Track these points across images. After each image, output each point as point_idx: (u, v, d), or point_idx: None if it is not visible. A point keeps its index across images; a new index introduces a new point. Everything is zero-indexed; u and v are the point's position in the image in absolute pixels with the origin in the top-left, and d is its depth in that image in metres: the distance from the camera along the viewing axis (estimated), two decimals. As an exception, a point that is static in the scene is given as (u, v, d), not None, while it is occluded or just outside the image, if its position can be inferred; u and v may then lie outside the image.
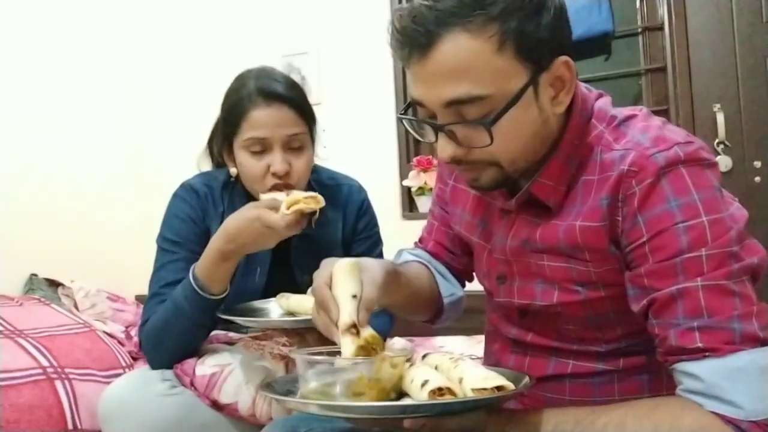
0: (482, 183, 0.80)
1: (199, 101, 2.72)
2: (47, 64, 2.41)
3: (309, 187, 1.31)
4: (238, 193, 1.29)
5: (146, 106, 2.79)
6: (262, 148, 1.18)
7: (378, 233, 1.41)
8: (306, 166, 1.23)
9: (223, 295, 1.15)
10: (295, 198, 1.06)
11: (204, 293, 1.11)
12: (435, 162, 2.15)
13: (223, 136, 1.27)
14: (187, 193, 1.29)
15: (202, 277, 1.11)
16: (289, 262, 1.29)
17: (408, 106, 0.80)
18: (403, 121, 0.83)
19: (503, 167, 0.78)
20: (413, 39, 0.71)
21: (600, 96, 0.85)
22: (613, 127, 0.79)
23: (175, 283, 1.18)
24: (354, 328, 0.73)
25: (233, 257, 1.11)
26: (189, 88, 2.74)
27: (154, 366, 1.20)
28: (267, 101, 1.18)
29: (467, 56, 0.70)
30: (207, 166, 1.40)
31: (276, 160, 1.17)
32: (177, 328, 1.15)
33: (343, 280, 0.77)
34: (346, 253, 1.36)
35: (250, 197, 1.28)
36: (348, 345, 0.72)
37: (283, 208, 1.04)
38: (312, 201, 1.06)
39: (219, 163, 1.37)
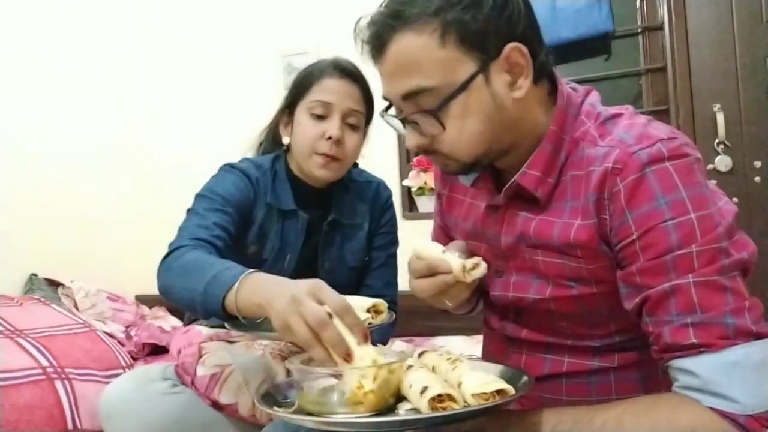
0: (452, 169, 0.85)
1: (199, 101, 2.73)
2: (48, 66, 2.41)
3: (342, 183, 1.34)
4: (280, 180, 1.30)
5: (147, 107, 2.79)
6: (323, 112, 1.24)
7: (396, 233, 1.44)
8: (356, 146, 1.29)
9: (234, 316, 0.94)
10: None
11: (223, 306, 0.91)
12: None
13: (287, 103, 1.31)
14: (240, 172, 1.27)
15: (241, 294, 0.90)
16: (316, 247, 1.31)
17: (389, 105, 0.86)
18: (384, 118, 0.89)
19: (462, 161, 0.82)
20: (371, 44, 0.80)
21: (588, 93, 0.86)
22: (600, 124, 0.80)
23: (216, 226, 1.11)
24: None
25: (260, 298, 0.85)
26: (189, 89, 2.74)
27: (158, 282, 1.06)
28: (340, 73, 1.26)
29: (414, 52, 0.76)
30: (250, 154, 1.41)
31: (333, 126, 1.23)
32: (186, 291, 0.98)
33: (427, 247, 0.86)
34: (369, 245, 1.39)
35: (294, 184, 1.30)
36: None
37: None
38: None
39: (266, 151, 1.39)
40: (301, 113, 1.26)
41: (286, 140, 1.31)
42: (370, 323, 1.02)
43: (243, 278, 0.89)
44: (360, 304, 1.05)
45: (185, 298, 0.99)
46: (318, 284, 0.77)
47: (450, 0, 0.74)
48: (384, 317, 1.07)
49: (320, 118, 1.24)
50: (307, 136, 1.24)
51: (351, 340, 0.72)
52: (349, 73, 1.26)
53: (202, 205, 1.18)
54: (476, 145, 0.80)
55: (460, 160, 0.81)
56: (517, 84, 0.78)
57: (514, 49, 0.76)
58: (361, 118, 1.28)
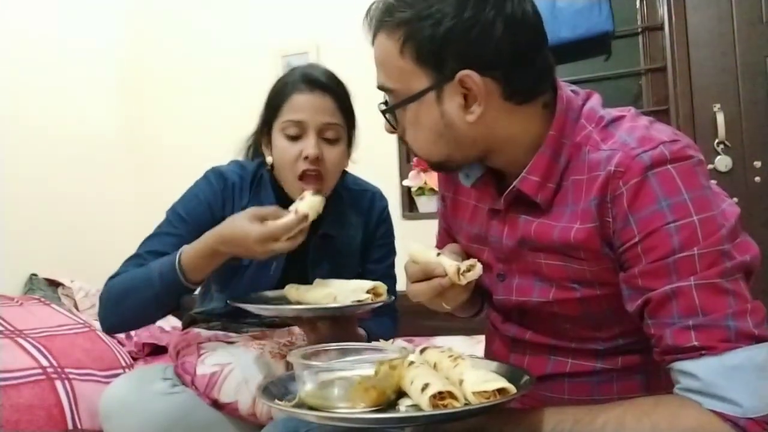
0: (429, 165, 0.90)
1: (200, 103, 2.73)
2: (48, 66, 2.41)
3: (334, 192, 1.30)
4: (264, 186, 1.28)
5: (147, 107, 2.80)
6: (298, 131, 1.20)
7: (393, 243, 1.41)
8: (338, 158, 1.24)
9: (197, 285, 1.15)
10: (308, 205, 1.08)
11: (182, 277, 1.10)
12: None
13: (264, 122, 1.28)
14: (216, 177, 1.28)
15: (186, 262, 1.10)
16: (305, 259, 1.28)
17: None
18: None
19: (425, 159, 0.87)
20: (370, 32, 0.86)
21: (589, 97, 0.85)
22: (602, 128, 0.80)
23: (160, 254, 1.16)
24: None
25: (224, 257, 1.10)
26: (190, 91, 2.74)
27: (104, 324, 1.19)
28: (309, 87, 1.21)
29: (383, 53, 0.82)
30: (241, 157, 1.40)
31: (309, 144, 1.19)
32: (139, 297, 1.12)
33: (422, 251, 0.86)
34: (363, 257, 1.36)
35: (278, 191, 1.27)
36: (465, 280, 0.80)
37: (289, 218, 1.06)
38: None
39: (255, 155, 1.37)
40: (277, 136, 1.22)
41: (269, 160, 1.26)
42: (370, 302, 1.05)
43: (181, 257, 1.10)
44: (360, 286, 1.08)
45: (140, 308, 1.14)
46: (250, 234, 1.03)
47: (417, 14, 0.77)
48: (383, 299, 1.09)
49: (295, 138, 1.20)
50: (285, 158, 1.20)
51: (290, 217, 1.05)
52: (319, 84, 1.21)
53: (161, 229, 1.24)
54: (431, 152, 0.85)
55: (424, 158, 0.87)
56: (471, 109, 0.78)
57: (467, 75, 0.76)
58: (339, 130, 1.23)
